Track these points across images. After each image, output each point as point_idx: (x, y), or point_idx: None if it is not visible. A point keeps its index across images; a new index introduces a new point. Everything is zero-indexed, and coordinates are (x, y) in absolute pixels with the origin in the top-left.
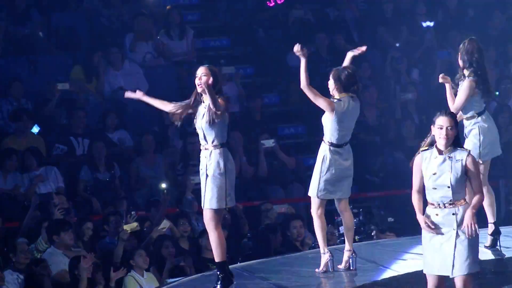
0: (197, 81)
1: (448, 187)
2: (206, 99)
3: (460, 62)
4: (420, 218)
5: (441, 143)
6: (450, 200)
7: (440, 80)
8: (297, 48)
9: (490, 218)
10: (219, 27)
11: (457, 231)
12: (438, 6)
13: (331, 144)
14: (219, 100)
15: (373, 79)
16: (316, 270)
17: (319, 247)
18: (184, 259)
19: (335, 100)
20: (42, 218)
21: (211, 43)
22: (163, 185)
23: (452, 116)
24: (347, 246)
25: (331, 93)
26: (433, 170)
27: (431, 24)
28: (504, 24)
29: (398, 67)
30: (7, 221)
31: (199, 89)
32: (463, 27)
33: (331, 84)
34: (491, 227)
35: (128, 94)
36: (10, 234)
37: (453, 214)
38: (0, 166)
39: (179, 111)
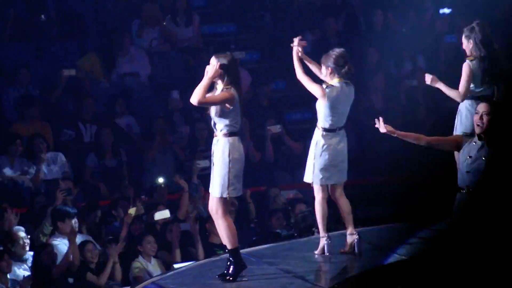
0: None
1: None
2: (219, 86)
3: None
4: None
5: (476, 129)
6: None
7: (428, 82)
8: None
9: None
10: (226, 12)
11: None
12: None
13: (324, 129)
14: (223, 93)
15: (380, 64)
16: (315, 251)
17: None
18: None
19: (326, 86)
20: (47, 204)
21: (218, 29)
22: (160, 180)
23: (491, 103)
24: (349, 229)
25: (324, 79)
26: (470, 154)
27: (448, 11)
28: None
29: (404, 53)
30: (15, 207)
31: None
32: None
33: (323, 70)
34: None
35: None
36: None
37: None
38: (5, 152)
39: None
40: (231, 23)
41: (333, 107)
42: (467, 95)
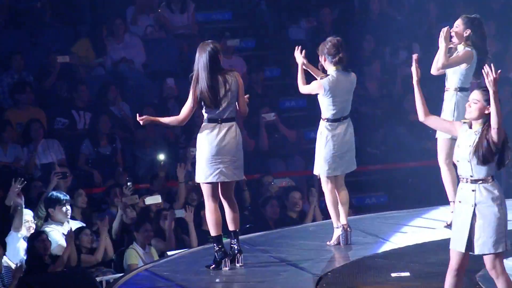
0: None
1: (468, 161)
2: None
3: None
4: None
5: (466, 115)
6: (471, 176)
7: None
8: (297, 52)
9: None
10: (221, 0)
11: (474, 210)
12: None
13: (327, 120)
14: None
15: (376, 52)
16: (328, 243)
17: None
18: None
19: (321, 78)
20: (44, 189)
21: (213, 16)
22: (161, 157)
23: (482, 92)
24: (342, 221)
25: (324, 67)
26: (458, 142)
27: None
28: None
29: (399, 42)
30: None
31: None
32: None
33: (320, 59)
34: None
35: None
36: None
37: (473, 190)
38: None
39: None
40: (226, 10)
41: (332, 96)
42: (442, 70)
